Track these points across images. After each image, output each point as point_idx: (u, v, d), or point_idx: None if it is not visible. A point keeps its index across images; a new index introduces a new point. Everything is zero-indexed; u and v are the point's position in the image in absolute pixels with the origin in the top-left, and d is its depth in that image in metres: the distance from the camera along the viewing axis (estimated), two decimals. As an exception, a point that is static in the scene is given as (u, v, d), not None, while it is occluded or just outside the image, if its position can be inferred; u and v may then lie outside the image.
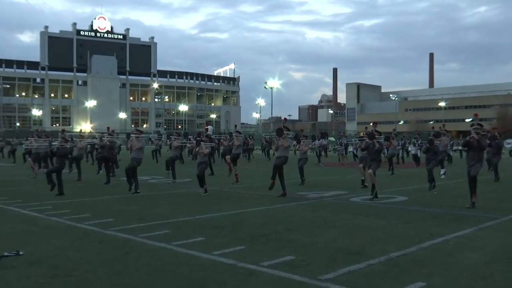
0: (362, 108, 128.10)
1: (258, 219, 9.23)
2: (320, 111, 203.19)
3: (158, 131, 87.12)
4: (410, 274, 5.40)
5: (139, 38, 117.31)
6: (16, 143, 30.69)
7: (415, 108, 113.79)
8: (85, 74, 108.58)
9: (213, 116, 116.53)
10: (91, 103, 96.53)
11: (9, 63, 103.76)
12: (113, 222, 8.67)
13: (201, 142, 13.19)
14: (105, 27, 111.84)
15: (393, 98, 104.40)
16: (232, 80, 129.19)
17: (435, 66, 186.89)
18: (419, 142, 26.30)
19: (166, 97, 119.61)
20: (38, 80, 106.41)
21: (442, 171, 17.65)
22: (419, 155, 24.98)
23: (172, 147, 17.34)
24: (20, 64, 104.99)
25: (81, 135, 23.23)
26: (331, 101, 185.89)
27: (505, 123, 76.94)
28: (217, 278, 5.27)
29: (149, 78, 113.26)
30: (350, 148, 32.47)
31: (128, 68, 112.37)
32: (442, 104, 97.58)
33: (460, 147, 21.15)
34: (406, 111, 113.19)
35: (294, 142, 15.58)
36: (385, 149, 18.62)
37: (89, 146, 26.85)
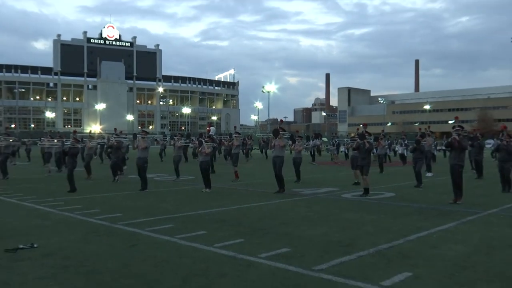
0: (352, 110, 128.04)
1: (256, 214, 9.24)
2: (313, 114, 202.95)
3: (163, 132, 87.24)
4: (397, 265, 5.41)
5: (146, 46, 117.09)
6: (31, 143, 30.71)
7: (402, 110, 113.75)
8: (95, 79, 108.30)
9: (214, 118, 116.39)
10: (100, 106, 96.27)
11: (24, 69, 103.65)
12: (121, 217, 8.66)
13: (203, 142, 13.19)
14: (113, 35, 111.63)
15: (382, 102, 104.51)
16: (232, 85, 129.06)
17: (420, 72, 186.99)
18: (405, 142, 26.33)
19: (171, 100, 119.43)
20: (51, 84, 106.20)
21: (429, 174, 17.70)
22: (405, 154, 25.00)
23: (175, 147, 17.33)
24: (34, 69, 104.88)
25: (90, 135, 23.20)
26: (324, 104, 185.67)
27: (485, 124, 77.10)
28: (218, 269, 5.27)
29: (154, 83, 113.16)
30: (342, 148, 32.53)
31: (135, 74, 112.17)
32: (427, 107, 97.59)
33: (443, 147, 21.15)
34: (393, 114, 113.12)
35: (290, 142, 15.57)
36: (375, 149, 18.62)
37: (99, 146, 26.86)
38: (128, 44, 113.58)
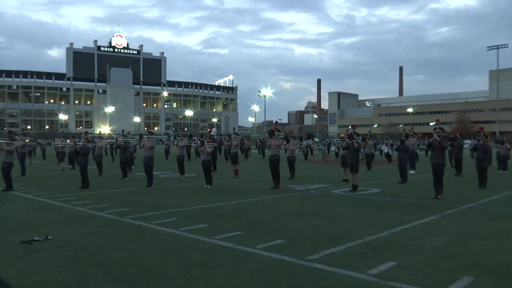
0: (342, 113, 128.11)
1: (254, 208, 9.22)
2: (306, 116, 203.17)
3: (167, 133, 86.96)
4: (383, 255, 5.42)
5: (151, 53, 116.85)
6: (45, 143, 30.63)
7: (387, 113, 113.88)
8: (105, 84, 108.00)
9: (215, 120, 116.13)
10: (109, 109, 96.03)
11: (39, 75, 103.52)
12: (129, 211, 8.63)
13: (205, 142, 13.19)
14: (122, 44, 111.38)
15: (369, 105, 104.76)
16: (231, 89, 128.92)
17: (404, 78, 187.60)
18: (390, 142, 26.33)
19: (174, 103, 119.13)
20: (64, 89, 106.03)
21: (412, 171, 17.73)
22: (390, 153, 25.01)
23: (178, 146, 17.33)
24: (49, 75, 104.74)
25: (100, 136, 23.16)
26: (315, 107, 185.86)
27: (463, 126, 77.29)
28: (218, 259, 5.27)
29: (159, 88, 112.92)
30: (333, 148, 32.55)
31: (141, 79, 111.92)
32: (410, 110, 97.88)
33: (425, 147, 21.18)
34: (379, 116, 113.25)
35: (284, 142, 15.56)
36: (362, 148, 18.63)
37: (108, 146, 26.80)
38: (135, 52, 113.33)
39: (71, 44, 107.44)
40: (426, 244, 5.96)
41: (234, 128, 37.57)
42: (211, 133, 27.44)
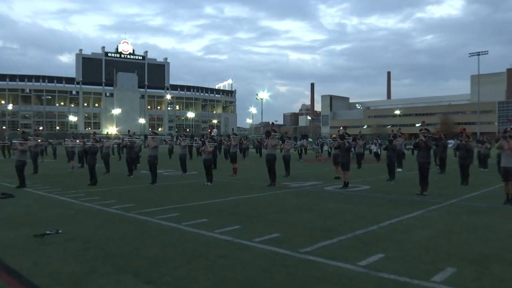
0: (334, 115, 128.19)
1: (251, 204, 9.21)
2: (300, 118, 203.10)
3: (170, 134, 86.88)
4: (372, 247, 5.42)
5: (156, 59, 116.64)
6: (56, 143, 30.57)
7: (376, 115, 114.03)
8: (112, 88, 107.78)
9: (215, 121, 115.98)
10: (116, 111, 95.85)
11: (51, 79, 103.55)
12: (134, 207, 8.61)
13: (206, 142, 13.19)
14: (128, 50, 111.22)
15: (359, 107, 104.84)
16: (230, 93, 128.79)
17: (392, 82, 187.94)
18: (379, 142, 26.37)
19: (177, 106, 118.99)
20: (74, 92, 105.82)
21: (399, 169, 17.74)
22: (379, 152, 25.04)
23: (181, 146, 17.30)
24: (59, 79, 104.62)
25: (107, 136, 23.11)
26: (309, 110, 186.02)
27: (447, 127, 77.29)
28: (218, 251, 5.26)
29: (163, 91, 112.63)
30: (325, 147, 32.58)
31: (146, 83, 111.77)
32: (397, 112, 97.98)
33: (412, 147, 21.22)
34: (369, 118, 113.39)
35: (280, 142, 15.55)
36: (353, 148, 18.63)
37: (115, 145, 26.72)
38: (141, 58, 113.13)
39: (81, 50, 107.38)
40: (412, 237, 5.97)
41: (233, 129, 37.48)
42: (212, 134, 27.41)
